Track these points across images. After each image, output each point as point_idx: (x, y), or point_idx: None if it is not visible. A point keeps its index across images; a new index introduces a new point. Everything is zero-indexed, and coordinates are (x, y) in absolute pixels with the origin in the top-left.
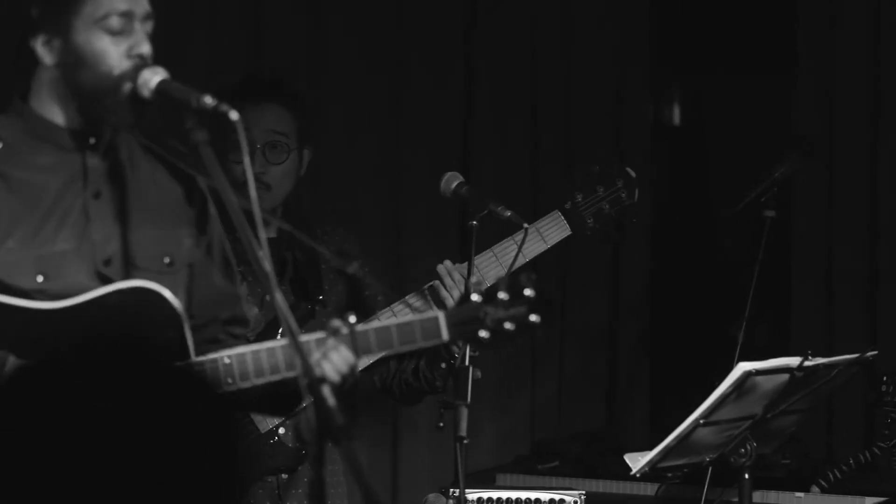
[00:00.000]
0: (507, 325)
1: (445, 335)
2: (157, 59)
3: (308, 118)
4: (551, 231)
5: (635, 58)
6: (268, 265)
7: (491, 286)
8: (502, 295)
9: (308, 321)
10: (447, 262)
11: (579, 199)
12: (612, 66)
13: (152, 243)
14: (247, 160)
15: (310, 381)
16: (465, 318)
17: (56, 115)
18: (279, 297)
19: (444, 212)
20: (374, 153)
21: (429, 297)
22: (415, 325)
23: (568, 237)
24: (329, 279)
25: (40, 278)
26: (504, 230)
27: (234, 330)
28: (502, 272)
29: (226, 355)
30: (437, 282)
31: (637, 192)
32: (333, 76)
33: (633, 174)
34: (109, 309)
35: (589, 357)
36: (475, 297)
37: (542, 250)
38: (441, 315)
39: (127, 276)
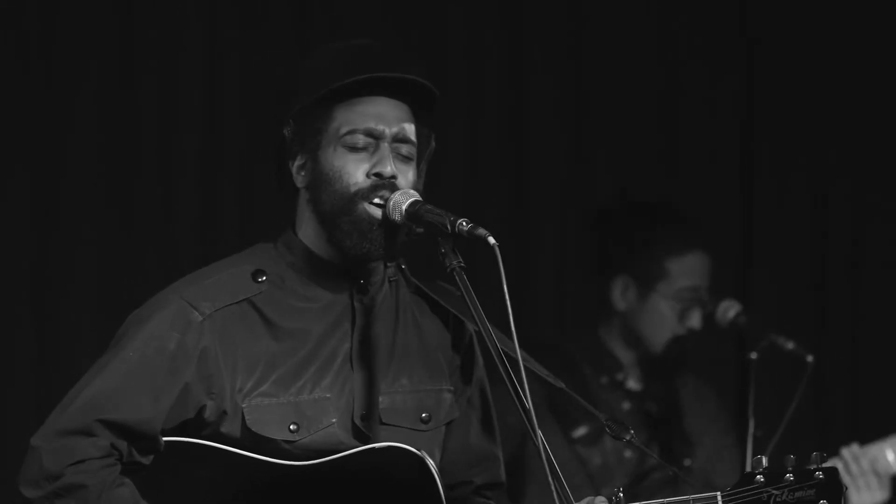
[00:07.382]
0: None
1: None
2: None
3: None
4: None
5: None
6: (528, 403)
7: (775, 465)
8: (789, 476)
9: (672, 487)
10: (854, 447)
11: None
12: None
13: (410, 398)
14: (506, 293)
15: None
16: (746, 500)
17: (321, 247)
18: (542, 442)
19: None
20: None
21: None
22: (689, 503)
23: None
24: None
25: (293, 427)
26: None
27: (486, 493)
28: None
29: None
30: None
31: None
32: None
33: None
34: (362, 469)
35: None
36: (759, 478)
37: None
38: (719, 495)
39: (380, 431)
